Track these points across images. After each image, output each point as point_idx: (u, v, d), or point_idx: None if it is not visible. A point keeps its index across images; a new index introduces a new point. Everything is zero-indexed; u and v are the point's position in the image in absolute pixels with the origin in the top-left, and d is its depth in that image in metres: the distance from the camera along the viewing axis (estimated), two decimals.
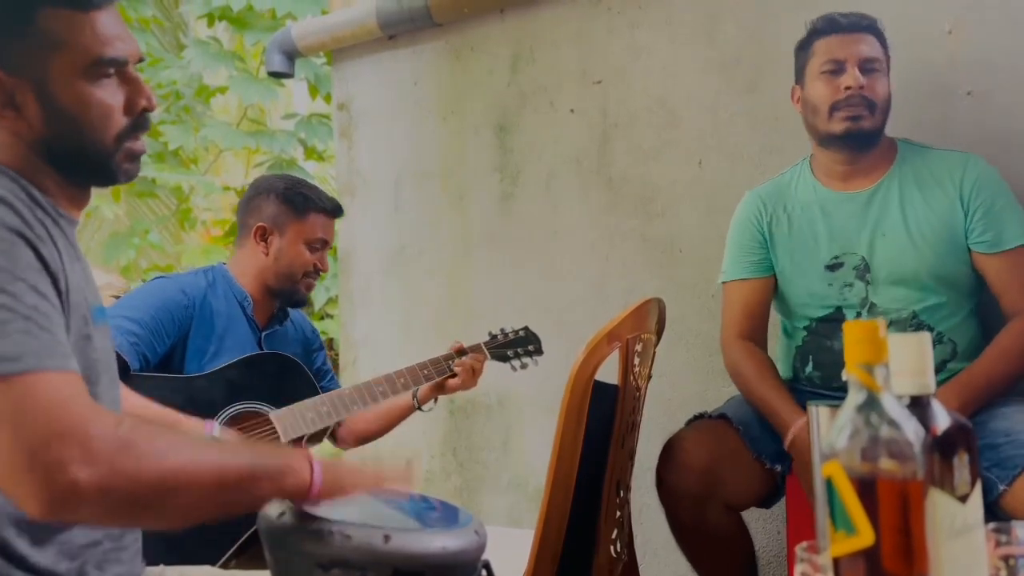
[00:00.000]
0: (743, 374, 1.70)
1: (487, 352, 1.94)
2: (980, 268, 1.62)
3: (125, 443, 0.79)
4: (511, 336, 1.98)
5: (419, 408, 1.94)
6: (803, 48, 1.72)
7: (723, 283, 1.81)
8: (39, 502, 0.75)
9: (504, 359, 1.96)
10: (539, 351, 1.99)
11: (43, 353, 0.80)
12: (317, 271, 1.89)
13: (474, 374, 1.89)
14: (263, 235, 1.86)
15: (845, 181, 1.71)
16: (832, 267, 1.68)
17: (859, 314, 1.66)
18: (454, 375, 1.87)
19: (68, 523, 0.85)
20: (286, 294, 1.88)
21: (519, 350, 1.97)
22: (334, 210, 1.92)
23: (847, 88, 1.61)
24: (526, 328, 2.00)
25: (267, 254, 1.86)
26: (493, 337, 1.97)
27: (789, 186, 1.78)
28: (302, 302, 1.92)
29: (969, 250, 1.62)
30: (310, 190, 1.92)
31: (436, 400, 1.94)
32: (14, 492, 0.76)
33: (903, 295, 1.63)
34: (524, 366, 1.99)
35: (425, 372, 1.85)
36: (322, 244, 1.89)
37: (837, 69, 1.64)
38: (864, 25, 1.66)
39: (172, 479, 0.80)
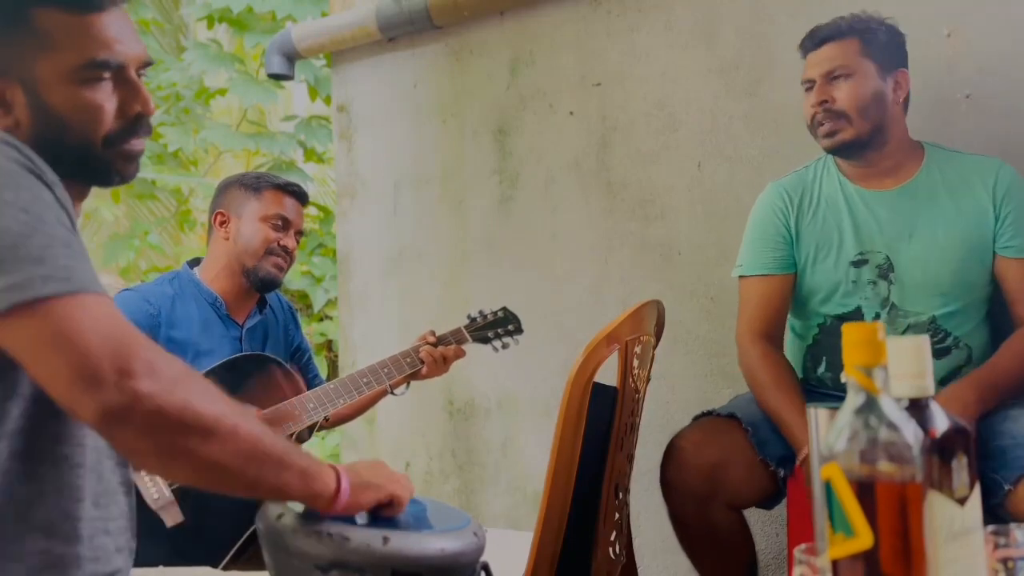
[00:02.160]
0: (759, 379, 1.67)
1: (468, 335, 1.94)
2: (1000, 273, 1.62)
3: (184, 374, 0.82)
4: (490, 318, 1.97)
5: (391, 392, 1.93)
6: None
7: (740, 277, 1.77)
8: (98, 407, 0.77)
9: (485, 340, 1.96)
10: (519, 330, 1.99)
11: (88, 278, 0.82)
12: (284, 249, 1.87)
13: (445, 362, 1.89)
14: (223, 221, 1.88)
15: (869, 180, 1.70)
16: (857, 264, 1.67)
17: (878, 315, 1.65)
18: (420, 364, 1.88)
19: (112, 439, 0.85)
20: (252, 274, 1.85)
21: (499, 331, 1.97)
22: (297, 193, 1.92)
23: (812, 106, 1.66)
24: (504, 308, 1.99)
25: (227, 238, 1.87)
26: (472, 320, 1.97)
27: (813, 180, 1.75)
28: (269, 281, 1.87)
29: (993, 255, 1.61)
30: (269, 175, 1.94)
31: (408, 385, 1.94)
32: (73, 398, 0.78)
33: (925, 298, 1.62)
34: (505, 346, 1.98)
35: (408, 360, 1.86)
36: (283, 222, 1.87)
37: (810, 87, 1.69)
38: (836, 34, 1.66)
39: (217, 424, 0.82)
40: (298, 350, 2.01)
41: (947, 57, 1.88)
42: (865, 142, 1.64)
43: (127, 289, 1.91)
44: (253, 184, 1.89)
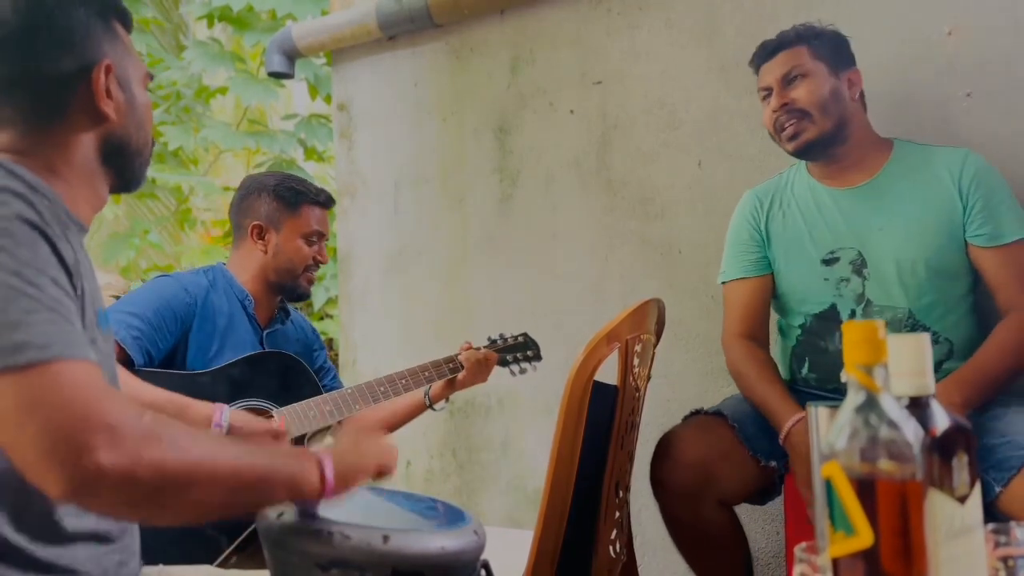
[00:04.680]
0: (744, 374, 1.70)
1: None
2: (977, 262, 1.62)
3: (150, 433, 0.80)
4: (510, 341, 1.99)
5: (431, 407, 1.94)
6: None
7: (723, 283, 1.82)
8: (63, 485, 0.76)
9: (503, 363, 1.98)
10: (538, 357, 2.02)
11: (68, 342, 0.81)
12: (317, 264, 1.90)
13: (481, 367, 1.90)
14: (260, 233, 1.87)
15: (838, 178, 1.72)
16: (828, 262, 1.68)
17: (854, 311, 1.66)
18: (460, 369, 1.88)
19: (87, 510, 0.85)
20: (288, 289, 1.89)
21: (518, 355, 1.99)
22: (326, 201, 1.93)
23: (774, 110, 1.69)
24: (525, 335, 2.02)
25: (266, 252, 1.87)
26: (492, 342, 1.99)
27: (786, 184, 1.80)
28: (304, 295, 1.93)
29: (966, 244, 1.62)
30: (300, 184, 1.92)
31: (448, 400, 1.95)
32: (39, 476, 0.77)
33: (900, 291, 1.62)
34: (523, 371, 2.01)
35: (426, 374, 1.87)
36: (318, 236, 1.90)
37: (768, 95, 1.72)
38: (786, 42, 1.71)
39: (194, 473, 0.81)
40: (320, 369, 2.01)
41: (948, 55, 1.88)
42: (829, 139, 1.67)
43: (165, 275, 1.91)
44: (290, 199, 1.88)
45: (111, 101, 1.00)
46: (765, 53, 1.74)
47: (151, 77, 1.09)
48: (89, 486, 0.76)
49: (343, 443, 0.99)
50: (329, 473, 0.91)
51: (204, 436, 0.88)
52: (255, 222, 1.87)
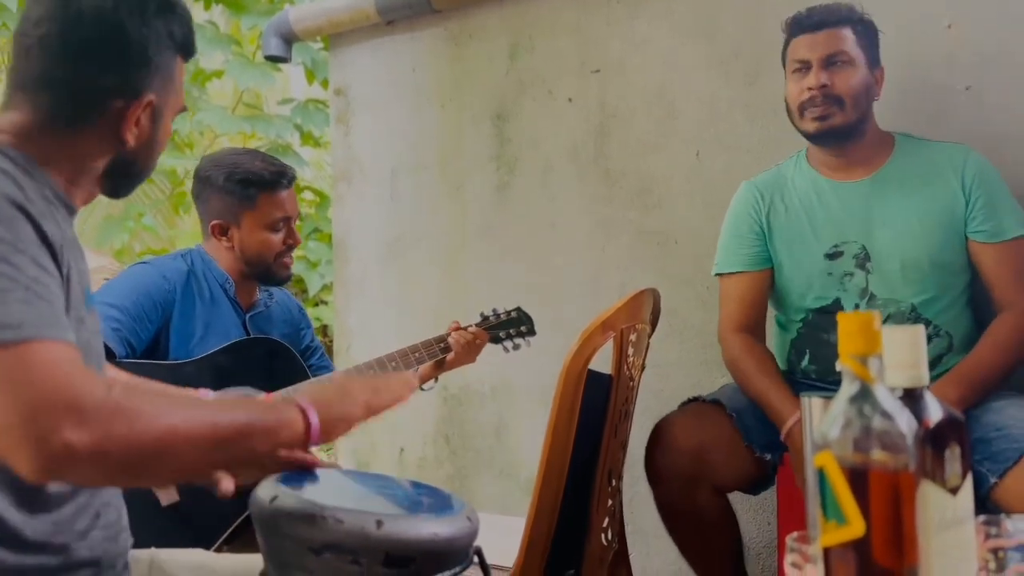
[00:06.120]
0: (742, 369, 1.70)
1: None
2: (976, 258, 1.63)
3: (118, 407, 0.80)
4: (503, 317, 1.95)
5: (420, 387, 1.92)
6: (784, 49, 1.74)
7: (718, 275, 1.81)
8: (33, 466, 0.77)
9: (496, 340, 1.94)
10: (531, 331, 1.97)
11: (42, 322, 0.81)
12: (289, 247, 1.83)
13: (470, 348, 1.87)
14: (221, 231, 1.80)
15: (841, 171, 1.72)
16: (832, 256, 1.68)
17: (857, 305, 1.66)
18: (450, 349, 1.85)
19: (65, 483, 0.86)
20: (265, 278, 1.85)
21: (511, 331, 1.95)
22: (288, 182, 1.83)
23: (809, 88, 1.65)
24: (518, 309, 1.97)
25: (232, 248, 1.81)
26: (485, 318, 1.95)
27: (786, 176, 1.78)
28: (282, 280, 1.87)
29: (966, 239, 1.63)
30: (252, 172, 1.80)
31: (437, 380, 1.92)
32: (9, 455, 0.78)
33: (903, 286, 1.63)
34: (517, 347, 1.96)
35: (416, 355, 1.84)
36: (284, 221, 1.81)
37: (803, 68, 1.67)
38: (834, 20, 1.67)
39: (167, 440, 0.81)
40: (308, 349, 1.99)
41: (947, 49, 1.88)
42: (850, 131, 1.66)
43: (143, 262, 1.85)
44: (243, 192, 1.78)
45: (136, 130, 1.01)
46: (808, 24, 1.67)
47: (184, 109, 1.10)
48: (59, 465, 0.77)
49: (329, 389, 0.99)
50: (313, 419, 0.92)
51: (179, 400, 0.88)
52: (214, 221, 1.80)
